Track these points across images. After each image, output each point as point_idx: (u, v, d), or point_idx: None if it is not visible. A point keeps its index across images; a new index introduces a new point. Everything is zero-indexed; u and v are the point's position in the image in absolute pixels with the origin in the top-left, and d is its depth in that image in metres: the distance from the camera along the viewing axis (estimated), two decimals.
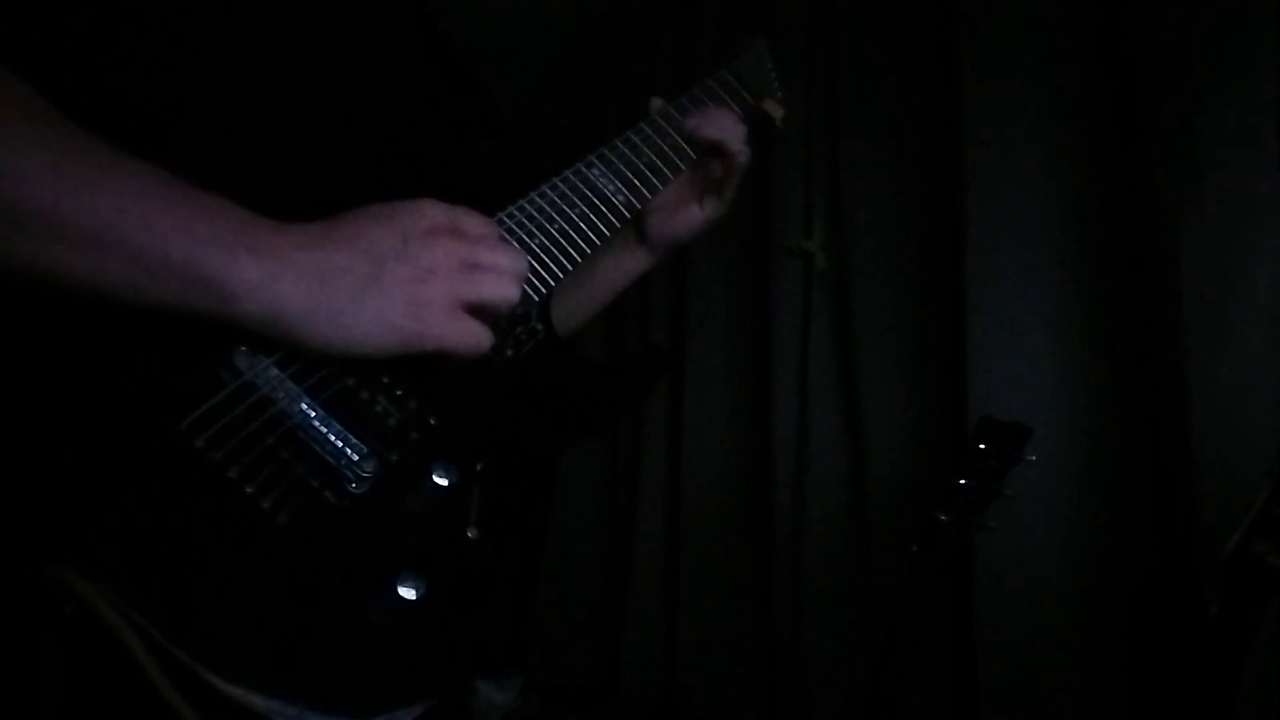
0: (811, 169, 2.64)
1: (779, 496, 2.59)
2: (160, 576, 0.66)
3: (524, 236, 0.91)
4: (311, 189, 0.76)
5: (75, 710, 0.67)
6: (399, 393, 0.80)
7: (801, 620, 2.51)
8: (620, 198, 0.99)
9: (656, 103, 1.12)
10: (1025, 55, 2.21)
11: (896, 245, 2.49)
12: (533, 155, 1.06)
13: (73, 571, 0.64)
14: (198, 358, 0.72)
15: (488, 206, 0.90)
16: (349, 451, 0.75)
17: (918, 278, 2.45)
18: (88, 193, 0.65)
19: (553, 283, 0.92)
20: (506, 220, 0.91)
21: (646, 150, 1.04)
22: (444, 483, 0.80)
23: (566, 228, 0.94)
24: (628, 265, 1.14)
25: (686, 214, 1.12)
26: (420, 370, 0.78)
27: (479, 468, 0.84)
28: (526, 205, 0.92)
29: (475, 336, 0.76)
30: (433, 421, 0.81)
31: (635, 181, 1.01)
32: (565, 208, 0.94)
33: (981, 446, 1.56)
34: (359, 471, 0.75)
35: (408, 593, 0.75)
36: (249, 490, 0.71)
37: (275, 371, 0.73)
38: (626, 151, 1.03)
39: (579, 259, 0.94)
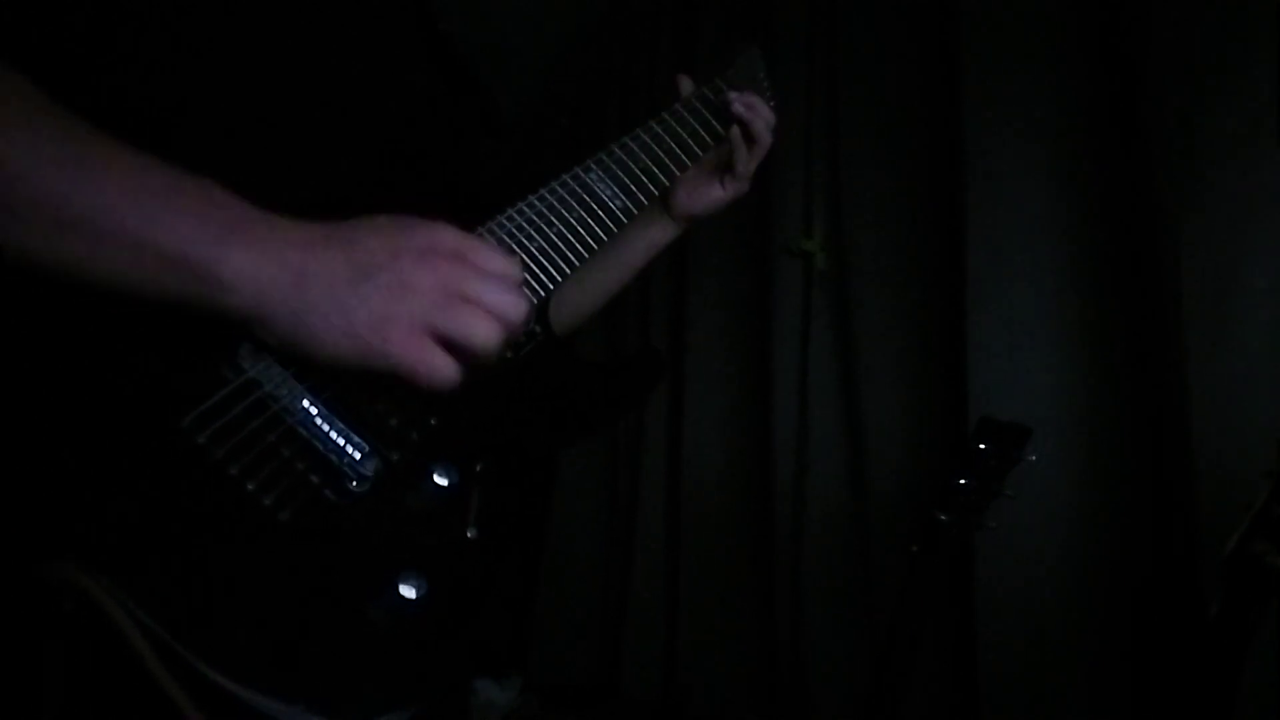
0: (811, 169, 2.64)
1: (779, 496, 2.59)
2: (161, 572, 0.67)
3: (523, 240, 0.91)
4: (311, 189, 0.76)
5: (75, 705, 0.67)
6: (400, 393, 0.80)
7: (801, 620, 2.51)
8: (617, 203, 1.00)
9: (686, 84, 1.18)
10: (1025, 55, 2.21)
11: (896, 245, 2.49)
12: (533, 155, 1.06)
13: (74, 567, 0.64)
14: (201, 354, 0.72)
15: (487, 206, 0.91)
16: (350, 450, 0.76)
17: (918, 278, 2.45)
18: (81, 180, 0.64)
19: (551, 286, 0.92)
20: (505, 223, 0.91)
21: (643, 156, 1.05)
22: (444, 483, 0.80)
23: (565, 231, 0.94)
24: (655, 236, 1.20)
25: (710, 191, 1.19)
26: (384, 391, 0.75)
27: (478, 468, 0.84)
28: (525, 209, 0.93)
29: (437, 369, 0.69)
30: (433, 422, 0.81)
31: (632, 187, 1.02)
32: (564, 211, 0.95)
33: (981, 446, 1.56)
34: (360, 470, 0.76)
35: (408, 592, 0.75)
36: (251, 487, 0.71)
37: (278, 369, 0.73)
38: (624, 157, 1.03)
39: (576, 263, 0.94)
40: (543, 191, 0.95)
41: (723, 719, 2.66)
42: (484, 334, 0.70)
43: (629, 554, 2.89)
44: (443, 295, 0.69)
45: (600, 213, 0.98)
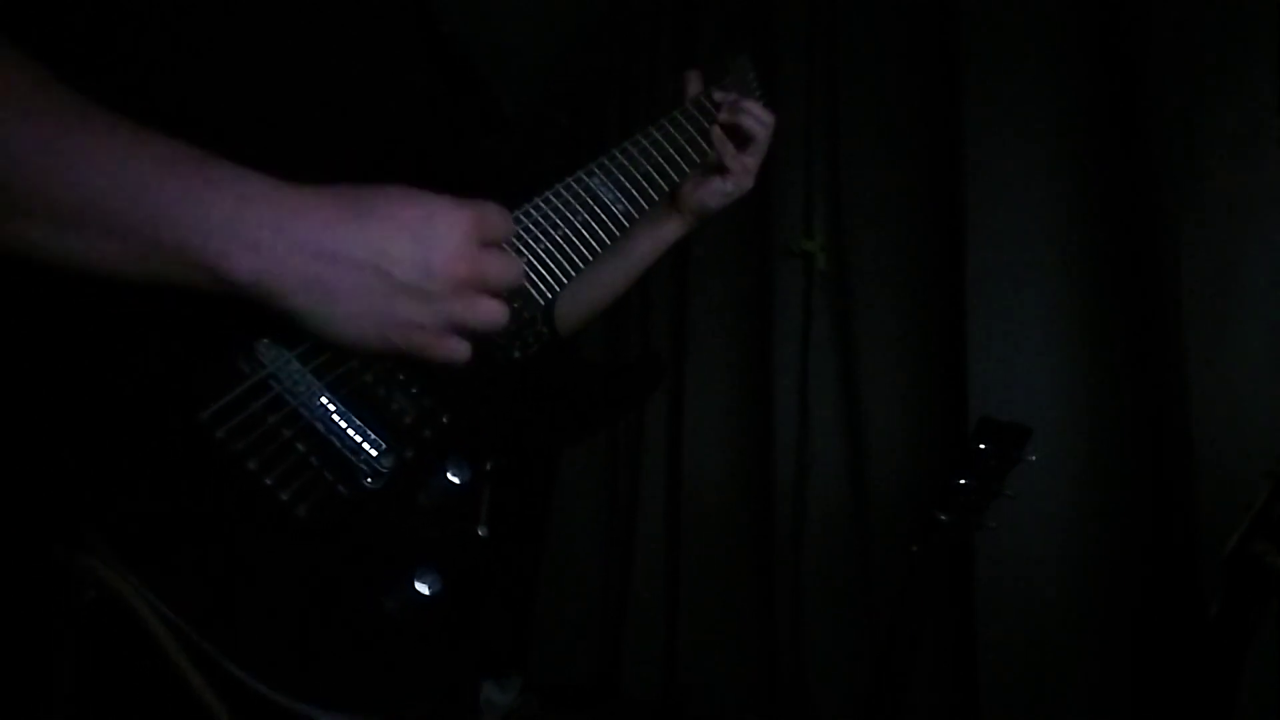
0: (811, 169, 2.64)
1: (779, 496, 2.59)
2: (180, 564, 0.67)
3: (530, 242, 0.93)
4: (316, 187, 0.76)
5: (91, 692, 0.68)
6: (414, 391, 0.81)
7: (801, 620, 2.51)
8: (619, 206, 1.02)
9: (694, 82, 1.20)
10: (1025, 55, 2.21)
11: (897, 245, 2.50)
12: (533, 155, 1.07)
13: (94, 558, 0.64)
14: (220, 349, 0.72)
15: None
16: (367, 446, 0.77)
17: (918, 278, 2.45)
18: (79, 169, 0.64)
19: (557, 288, 0.94)
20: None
21: (644, 161, 1.08)
22: (457, 480, 0.81)
23: (570, 234, 0.96)
24: (663, 233, 1.22)
25: (712, 187, 1.20)
26: (396, 371, 0.79)
27: (489, 467, 0.85)
28: (532, 211, 0.95)
29: (454, 354, 0.76)
30: (445, 420, 0.82)
31: (633, 191, 1.05)
32: (568, 215, 0.97)
33: (981, 446, 1.56)
34: (376, 466, 0.77)
35: (424, 587, 0.76)
36: (268, 482, 0.72)
37: (297, 365, 0.74)
38: (625, 162, 1.06)
39: (582, 265, 0.97)
40: (547, 195, 0.97)
41: (723, 719, 2.66)
42: (497, 313, 0.77)
43: (629, 554, 2.89)
44: (465, 296, 0.74)
45: (603, 216, 1.00)
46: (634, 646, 2.83)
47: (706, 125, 1.16)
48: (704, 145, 1.15)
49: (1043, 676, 2.08)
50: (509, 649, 2.99)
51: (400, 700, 0.74)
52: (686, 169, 1.13)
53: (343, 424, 0.76)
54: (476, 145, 1.05)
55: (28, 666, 0.68)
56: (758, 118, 1.19)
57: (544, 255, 0.94)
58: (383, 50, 0.94)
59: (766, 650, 2.62)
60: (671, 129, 1.13)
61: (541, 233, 0.94)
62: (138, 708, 0.69)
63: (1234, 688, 1.26)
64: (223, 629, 0.66)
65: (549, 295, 0.94)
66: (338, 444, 0.76)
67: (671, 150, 1.11)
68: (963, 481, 1.55)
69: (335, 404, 0.76)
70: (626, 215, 1.03)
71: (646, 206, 1.06)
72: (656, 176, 1.08)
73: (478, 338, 0.77)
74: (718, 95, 1.19)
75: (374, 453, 0.77)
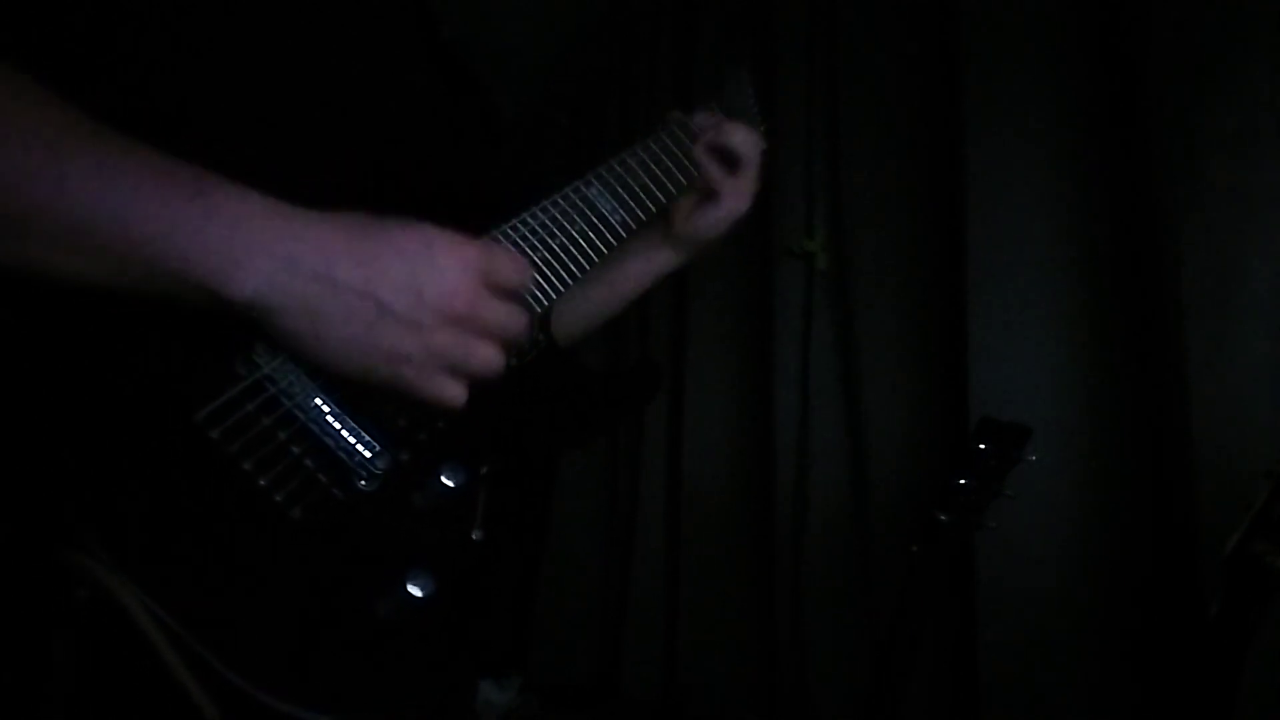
0: (812, 169, 2.64)
1: (779, 497, 2.59)
2: (173, 564, 0.67)
3: (527, 250, 0.93)
4: (312, 189, 0.76)
5: (85, 692, 0.68)
6: (406, 401, 0.81)
7: (801, 620, 2.51)
8: (617, 217, 1.03)
9: (676, 114, 1.16)
10: (1025, 55, 2.21)
11: (897, 245, 2.50)
12: (533, 155, 1.07)
13: (88, 557, 0.65)
14: (216, 350, 0.72)
15: (488, 206, 0.92)
16: (361, 448, 0.77)
17: (918, 278, 2.45)
18: (75, 191, 0.64)
19: (555, 296, 0.94)
20: (510, 233, 0.93)
21: (641, 172, 1.08)
22: (451, 483, 0.81)
23: (567, 243, 0.97)
24: (655, 263, 1.19)
25: (706, 214, 1.16)
26: (390, 400, 0.78)
27: (484, 471, 0.85)
28: (529, 219, 0.95)
29: (447, 397, 0.74)
30: (440, 424, 0.82)
31: (630, 202, 1.05)
32: (566, 224, 0.97)
33: (981, 446, 1.56)
34: (371, 468, 0.77)
35: (416, 590, 0.76)
36: (263, 483, 0.72)
37: (292, 366, 0.74)
38: (622, 172, 1.06)
39: (579, 274, 0.97)
40: (545, 204, 0.97)
41: (723, 719, 2.66)
42: (493, 361, 0.75)
43: (629, 554, 2.89)
44: (457, 335, 0.73)
45: (601, 226, 1.01)
46: (634, 646, 2.82)
47: (689, 146, 1.14)
48: (689, 167, 1.13)
49: (1043, 676, 2.08)
50: (509, 649, 2.99)
51: (394, 703, 0.74)
52: (684, 182, 1.13)
53: (337, 426, 0.76)
54: (476, 147, 1.05)
55: (21, 665, 0.68)
56: (745, 138, 1.15)
57: (540, 263, 0.94)
58: (383, 52, 0.94)
59: (766, 650, 2.61)
60: (670, 142, 1.13)
61: (539, 240, 0.94)
62: (129, 707, 0.69)
63: (1234, 688, 1.26)
64: (214, 630, 0.67)
65: (545, 303, 0.94)
66: (332, 446, 0.76)
67: (670, 163, 1.11)
68: (963, 481, 1.55)
69: (330, 406, 0.76)
70: (624, 225, 1.03)
71: (644, 217, 1.06)
72: (654, 189, 1.08)
73: (472, 382, 0.75)
74: (698, 117, 1.17)
75: (368, 454, 0.77)
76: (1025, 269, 2.18)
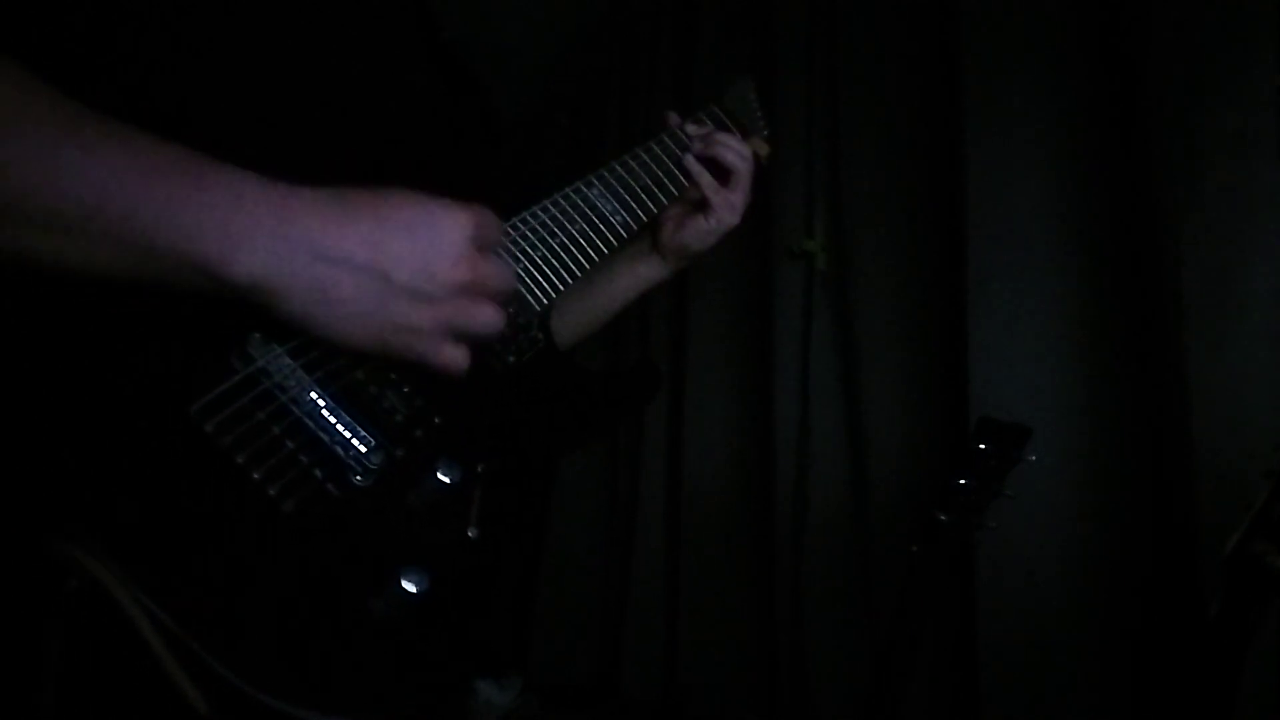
0: (812, 169, 2.64)
1: (779, 497, 2.59)
2: (165, 557, 0.67)
3: (526, 249, 0.94)
4: (314, 189, 0.76)
5: (74, 682, 0.68)
6: (406, 390, 0.81)
7: (801, 620, 2.51)
8: (618, 218, 1.04)
9: (673, 118, 1.18)
10: (1025, 55, 2.21)
11: (897, 245, 2.50)
12: (533, 155, 1.07)
13: (79, 548, 0.64)
14: (211, 343, 0.72)
15: (487, 205, 0.91)
16: (356, 443, 0.77)
17: (918, 278, 2.45)
18: (72, 176, 0.64)
19: (554, 294, 0.95)
20: (510, 231, 0.93)
21: (643, 174, 1.09)
22: (447, 480, 0.81)
23: (567, 243, 0.98)
24: (643, 273, 1.20)
25: (694, 225, 1.17)
26: (392, 373, 0.80)
27: (480, 469, 0.85)
28: (529, 218, 0.96)
29: (452, 362, 0.76)
30: (437, 420, 0.82)
31: (631, 203, 1.06)
32: (566, 224, 0.98)
33: (981, 446, 1.56)
34: (365, 463, 0.76)
35: (410, 586, 0.76)
36: (256, 476, 0.71)
37: (288, 360, 0.74)
38: (624, 174, 1.07)
39: (578, 274, 0.98)
40: (545, 203, 0.98)
41: (723, 719, 2.66)
42: (495, 320, 0.77)
43: (629, 554, 2.89)
44: (463, 301, 0.74)
45: (601, 226, 1.02)
46: (634, 646, 2.82)
47: (680, 155, 1.14)
48: (680, 178, 1.14)
49: (1043, 676, 2.08)
50: (509, 649, 2.99)
51: (387, 701, 0.74)
52: (685, 183, 1.14)
53: (332, 420, 0.76)
54: (476, 147, 1.05)
55: (11, 656, 0.68)
56: (736, 150, 1.15)
57: (540, 262, 0.94)
58: (382, 51, 0.95)
59: (766, 650, 2.61)
60: (672, 145, 1.14)
61: (539, 239, 0.95)
62: (119, 699, 0.69)
63: (1234, 688, 1.26)
64: (206, 624, 0.66)
65: (544, 301, 0.94)
66: (327, 440, 0.75)
67: (671, 165, 1.12)
68: (963, 481, 1.55)
69: (325, 400, 0.76)
70: (625, 226, 1.04)
71: (645, 218, 1.07)
72: (655, 190, 1.09)
73: (475, 344, 0.77)
74: (691, 127, 1.17)
75: (363, 449, 0.77)
76: (1025, 269, 2.18)
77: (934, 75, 2.40)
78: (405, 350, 0.74)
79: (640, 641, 2.82)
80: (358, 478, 0.76)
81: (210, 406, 0.70)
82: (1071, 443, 2.09)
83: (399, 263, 0.71)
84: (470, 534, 0.82)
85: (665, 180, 1.11)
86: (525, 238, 0.94)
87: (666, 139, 1.15)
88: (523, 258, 0.94)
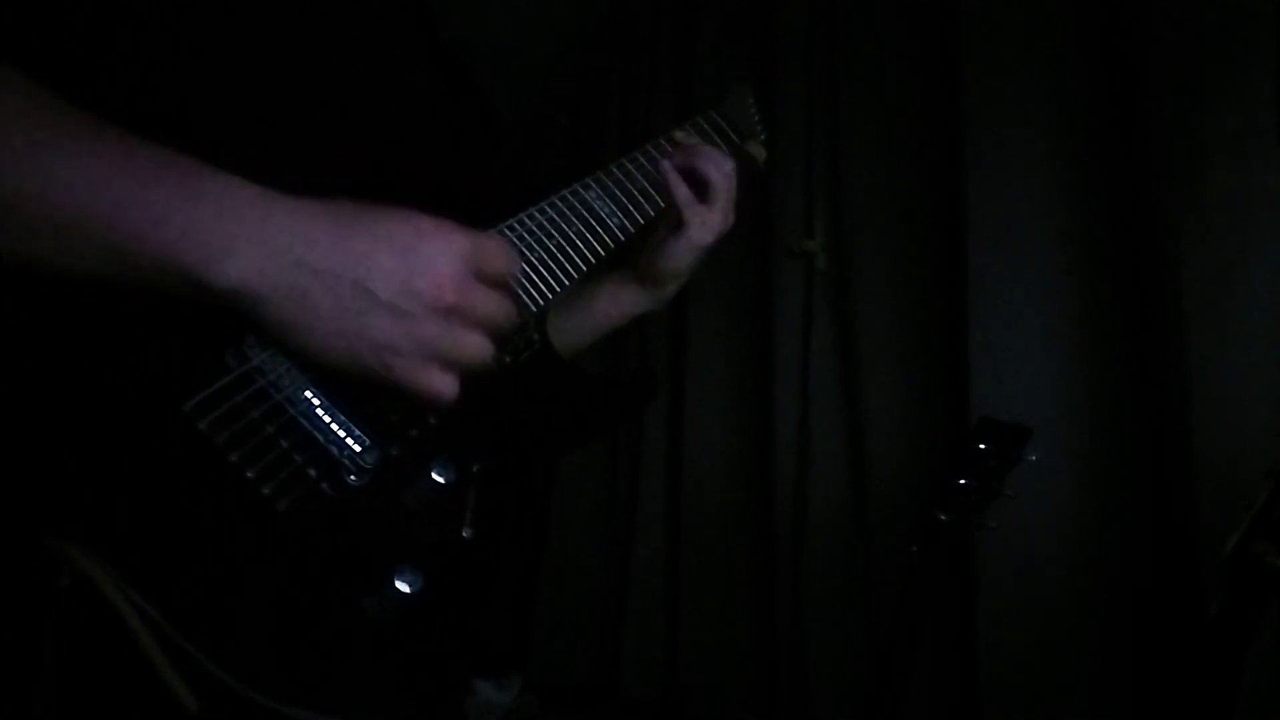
0: (812, 169, 2.64)
1: (779, 496, 2.59)
2: (158, 555, 0.67)
3: (523, 250, 0.93)
4: (311, 189, 0.76)
5: (66, 680, 0.67)
6: (398, 394, 0.80)
7: (801, 620, 2.51)
8: (615, 220, 1.03)
9: (679, 134, 1.15)
10: (1026, 55, 2.21)
11: (897, 245, 2.50)
12: (533, 155, 1.07)
13: (72, 545, 0.64)
14: (206, 341, 0.72)
15: (487, 205, 0.92)
16: (351, 443, 0.76)
17: (918, 278, 2.45)
18: (56, 183, 0.64)
19: (550, 296, 0.94)
20: (506, 233, 0.93)
21: (640, 177, 1.08)
22: (442, 480, 0.80)
23: (564, 244, 0.97)
24: (625, 301, 1.15)
25: (668, 246, 1.11)
26: (381, 393, 0.77)
27: (475, 469, 0.84)
28: (526, 220, 0.95)
29: (438, 392, 0.73)
30: (432, 420, 0.82)
31: (629, 206, 1.05)
32: (563, 225, 0.98)
33: (981, 446, 1.56)
34: (360, 463, 0.76)
35: (404, 586, 0.75)
36: (250, 475, 0.71)
37: (283, 359, 0.74)
38: (622, 177, 1.06)
39: (575, 275, 0.97)
40: (543, 205, 0.97)
41: (723, 719, 2.66)
42: (482, 351, 0.75)
43: (629, 554, 2.89)
44: (446, 325, 0.72)
45: (598, 228, 1.01)
46: (634, 646, 2.82)
47: (653, 169, 1.10)
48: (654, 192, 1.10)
49: (1043, 676, 2.08)
50: (508, 649, 2.99)
51: (381, 701, 0.74)
52: (660, 205, 1.10)
53: (327, 419, 0.76)
54: (476, 147, 1.05)
55: (4, 654, 0.68)
56: (716, 164, 1.08)
57: (537, 263, 0.94)
58: (382, 51, 0.94)
59: (766, 650, 2.61)
60: (645, 161, 1.11)
61: (536, 240, 0.95)
62: (111, 697, 0.68)
63: (1234, 688, 1.26)
64: (198, 623, 0.66)
65: (540, 303, 0.94)
66: (322, 439, 0.75)
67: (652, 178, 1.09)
68: (963, 481, 1.55)
69: (320, 398, 0.75)
70: (622, 229, 1.04)
71: (642, 220, 1.07)
72: (654, 193, 1.09)
73: (464, 374, 0.74)
74: (679, 134, 1.14)
75: (358, 449, 0.76)
76: (1025, 269, 2.18)
77: (934, 75, 2.40)
78: (385, 371, 0.72)
79: (640, 641, 2.82)
80: (352, 477, 0.76)
81: (204, 404, 0.70)
82: (1071, 443, 2.09)
83: (384, 279, 0.70)
84: (465, 534, 0.82)
85: (654, 189, 1.10)
86: (522, 239, 0.94)
87: (664, 142, 1.14)
88: (520, 258, 0.93)
